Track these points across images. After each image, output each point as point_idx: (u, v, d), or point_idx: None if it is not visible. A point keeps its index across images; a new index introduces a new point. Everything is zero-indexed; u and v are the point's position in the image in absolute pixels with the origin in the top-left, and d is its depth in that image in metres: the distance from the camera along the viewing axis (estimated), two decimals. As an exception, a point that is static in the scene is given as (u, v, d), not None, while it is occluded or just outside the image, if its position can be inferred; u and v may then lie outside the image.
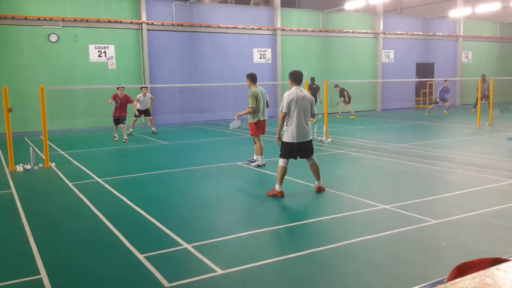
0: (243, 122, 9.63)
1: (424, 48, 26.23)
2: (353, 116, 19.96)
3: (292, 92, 6.67)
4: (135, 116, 15.19)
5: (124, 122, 13.65)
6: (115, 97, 13.46)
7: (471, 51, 27.95)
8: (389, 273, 4.05)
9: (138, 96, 15.03)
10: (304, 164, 7.06)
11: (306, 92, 6.79)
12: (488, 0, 24.43)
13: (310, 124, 6.83)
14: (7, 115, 9.29)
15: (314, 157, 6.94)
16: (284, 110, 6.63)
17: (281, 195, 6.70)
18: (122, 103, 13.52)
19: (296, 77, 6.79)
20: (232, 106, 20.31)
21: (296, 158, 6.83)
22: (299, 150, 6.72)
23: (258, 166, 9.01)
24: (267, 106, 9.21)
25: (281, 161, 6.77)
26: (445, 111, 20.93)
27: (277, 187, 6.74)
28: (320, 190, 6.95)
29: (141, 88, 15.28)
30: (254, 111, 8.85)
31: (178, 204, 6.77)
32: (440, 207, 6.11)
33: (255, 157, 9.21)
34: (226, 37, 20.55)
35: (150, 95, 15.33)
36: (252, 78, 8.98)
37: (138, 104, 14.95)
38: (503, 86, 26.13)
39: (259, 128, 8.99)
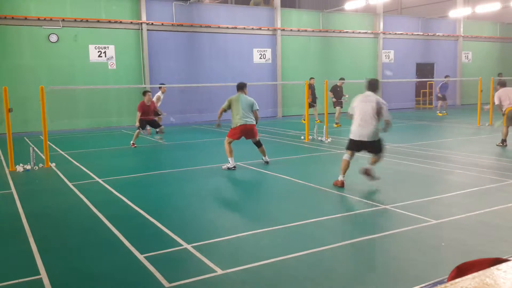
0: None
1: (424, 48, 26.23)
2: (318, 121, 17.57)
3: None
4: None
5: (160, 125, 12.82)
6: (142, 108, 12.20)
7: (471, 51, 27.94)
8: (389, 273, 4.06)
9: (159, 94, 15.14)
10: (304, 165, 7.06)
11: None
12: (488, 0, 24.43)
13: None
14: (7, 115, 9.29)
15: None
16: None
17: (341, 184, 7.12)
18: (149, 110, 12.45)
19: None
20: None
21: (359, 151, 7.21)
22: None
23: (229, 168, 8.76)
24: (256, 117, 9.00)
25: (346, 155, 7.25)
26: (439, 112, 20.64)
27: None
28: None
29: (160, 87, 15.20)
30: (232, 118, 8.90)
31: (178, 204, 6.77)
32: (440, 207, 6.11)
33: (264, 158, 9.22)
34: (226, 37, 20.56)
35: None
36: (236, 86, 9.20)
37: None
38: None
39: (238, 134, 8.89)
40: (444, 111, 20.68)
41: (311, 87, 17.85)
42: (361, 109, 6.98)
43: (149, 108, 12.39)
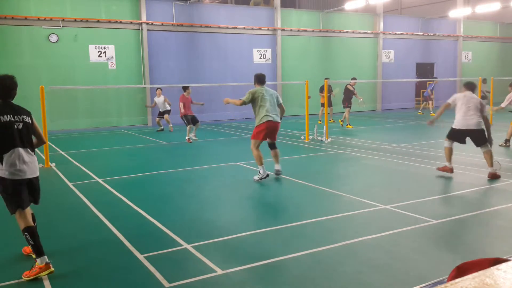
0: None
1: (424, 48, 26.23)
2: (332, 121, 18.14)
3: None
4: (158, 116, 16.42)
5: (198, 120, 13.56)
6: (183, 99, 13.29)
7: (471, 51, 27.94)
8: (389, 273, 4.05)
9: (155, 98, 16.22)
10: (304, 165, 7.06)
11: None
12: (488, 0, 24.43)
13: None
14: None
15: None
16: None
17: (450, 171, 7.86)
18: (189, 102, 13.46)
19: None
20: (232, 107, 20.30)
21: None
22: None
23: (261, 179, 7.63)
24: (281, 110, 8.08)
25: (446, 142, 8.02)
26: (433, 112, 20.87)
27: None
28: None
29: (156, 90, 16.27)
30: (257, 114, 7.74)
31: (178, 204, 6.77)
32: (440, 207, 6.11)
33: (276, 166, 8.00)
34: (226, 37, 20.56)
35: (163, 96, 16.12)
36: (257, 78, 8.02)
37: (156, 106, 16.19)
38: (503, 86, 26.16)
39: (263, 132, 7.69)
40: (421, 111, 21.77)
41: (328, 88, 17.58)
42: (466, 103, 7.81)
43: (188, 101, 13.40)
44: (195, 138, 13.41)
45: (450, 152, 7.96)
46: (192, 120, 13.34)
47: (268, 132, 7.70)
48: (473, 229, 5.21)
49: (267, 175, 7.62)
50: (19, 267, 4.35)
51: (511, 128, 11.01)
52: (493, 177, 7.67)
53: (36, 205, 4.65)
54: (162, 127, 16.37)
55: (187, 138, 13.16)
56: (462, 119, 7.77)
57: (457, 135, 7.95)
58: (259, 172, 7.66)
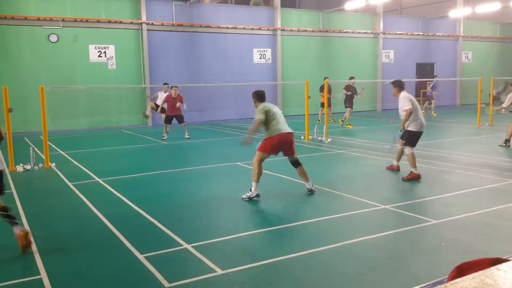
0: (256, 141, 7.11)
1: (424, 48, 26.23)
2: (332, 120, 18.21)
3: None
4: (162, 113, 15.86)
5: (184, 120, 13.87)
6: (167, 99, 13.57)
7: (471, 51, 27.94)
8: (389, 273, 4.06)
9: (162, 93, 15.57)
10: (304, 164, 7.06)
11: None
12: (488, 0, 24.43)
13: None
14: (7, 115, 9.29)
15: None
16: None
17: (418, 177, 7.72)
18: (175, 102, 13.55)
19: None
20: (232, 106, 20.32)
21: None
22: None
23: (250, 198, 6.64)
24: None
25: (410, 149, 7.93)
26: (434, 112, 21.13)
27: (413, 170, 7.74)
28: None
29: (171, 87, 15.32)
30: (268, 128, 6.81)
31: (178, 204, 6.76)
32: (440, 207, 6.11)
33: (307, 185, 6.97)
34: (226, 37, 20.56)
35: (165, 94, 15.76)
36: (258, 96, 7.04)
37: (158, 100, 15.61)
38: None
39: (273, 147, 6.79)
40: (424, 111, 21.36)
41: (328, 88, 17.50)
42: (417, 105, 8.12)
43: (175, 101, 13.42)
44: (187, 137, 13.86)
45: (415, 157, 7.88)
46: (177, 119, 13.70)
47: (282, 146, 6.86)
48: (473, 229, 5.21)
49: (258, 195, 6.67)
50: (19, 267, 4.36)
51: (511, 128, 11.00)
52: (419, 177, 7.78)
53: (37, 205, 4.65)
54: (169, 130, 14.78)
55: (164, 135, 13.76)
56: (422, 120, 8.03)
57: (417, 139, 8.11)
58: (250, 190, 6.67)
